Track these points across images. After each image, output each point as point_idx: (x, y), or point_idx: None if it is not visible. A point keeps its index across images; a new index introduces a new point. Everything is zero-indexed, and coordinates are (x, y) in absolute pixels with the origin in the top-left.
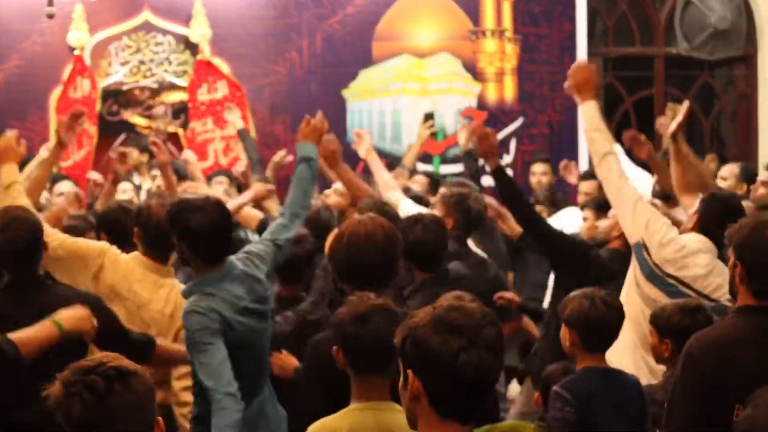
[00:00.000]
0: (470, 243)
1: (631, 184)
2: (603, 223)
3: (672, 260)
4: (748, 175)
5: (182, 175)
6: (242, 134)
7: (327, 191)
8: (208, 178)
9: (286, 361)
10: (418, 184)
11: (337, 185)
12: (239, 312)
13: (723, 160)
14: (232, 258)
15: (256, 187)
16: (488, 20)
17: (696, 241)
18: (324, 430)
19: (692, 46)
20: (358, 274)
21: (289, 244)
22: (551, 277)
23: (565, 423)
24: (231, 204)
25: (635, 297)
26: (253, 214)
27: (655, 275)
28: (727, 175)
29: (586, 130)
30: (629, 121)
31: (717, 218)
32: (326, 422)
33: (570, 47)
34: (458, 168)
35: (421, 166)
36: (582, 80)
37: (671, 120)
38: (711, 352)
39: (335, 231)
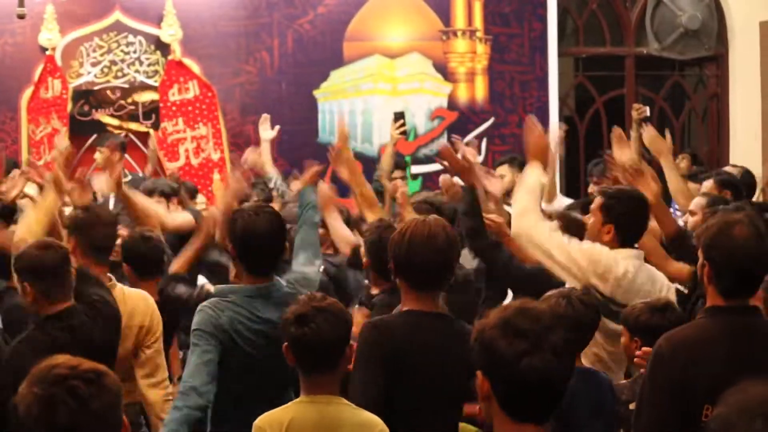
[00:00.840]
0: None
1: (554, 232)
2: None
3: (630, 292)
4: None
5: (168, 193)
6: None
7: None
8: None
9: None
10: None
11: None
12: (255, 330)
13: (695, 160)
14: (280, 280)
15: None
16: (459, 20)
17: (627, 258)
18: (268, 422)
19: (663, 46)
20: (415, 272)
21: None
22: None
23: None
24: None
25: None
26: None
27: (615, 313)
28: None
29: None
30: (599, 120)
31: (628, 217)
32: (272, 414)
33: (541, 47)
34: (429, 168)
35: None
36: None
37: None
38: (680, 353)
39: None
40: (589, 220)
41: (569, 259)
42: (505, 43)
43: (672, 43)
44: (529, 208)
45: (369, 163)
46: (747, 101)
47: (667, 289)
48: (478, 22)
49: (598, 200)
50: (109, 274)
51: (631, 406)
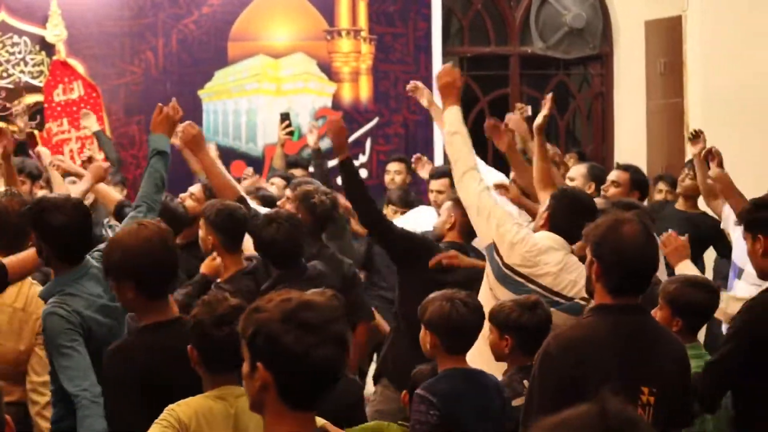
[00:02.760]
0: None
1: (489, 192)
2: (437, 220)
3: (523, 258)
4: (596, 175)
5: (36, 175)
6: (98, 135)
7: (182, 195)
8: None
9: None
10: (275, 186)
11: (193, 189)
12: (98, 311)
13: (582, 158)
14: (88, 256)
15: (93, 170)
16: (343, 20)
17: (546, 238)
18: (174, 414)
19: (547, 45)
20: (130, 275)
21: None
22: None
23: (430, 426)
24: (75, 192)
25: (490, 301)
26: (112, 196)
27: (505, 276)
28: (575, 176)
29: (447, 132)
30: (484, 120)
31: (567, 214)
32: (178, 405)
33: (425, 47)
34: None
35: None
36: (449, 83)
37: (521, 117)
38: (569, 352)
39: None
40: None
41: (490, 215)
42: (389, 42)
43: (557, 42)
44: (469, 165)
45: (254, 164)
46: (631, 100)
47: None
48: (362, 21)
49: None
50: None
51: (514, 403)
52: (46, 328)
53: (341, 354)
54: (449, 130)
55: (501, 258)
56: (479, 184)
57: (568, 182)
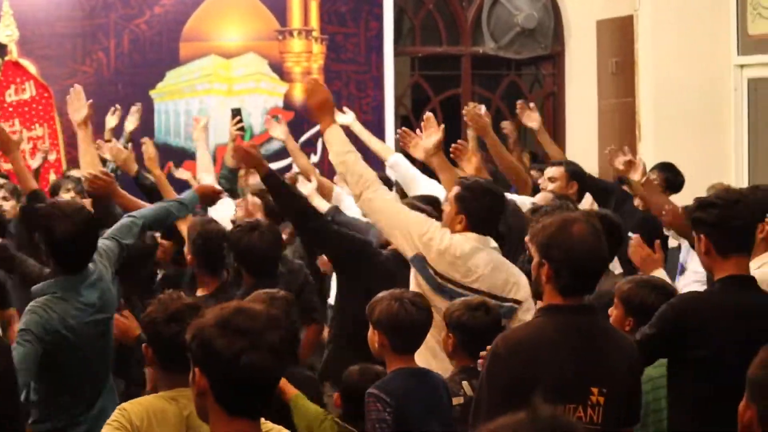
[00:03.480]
0: None
1: (398, 200)
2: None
3: (453, 266)
4: (576, 172)
5: None
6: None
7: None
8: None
9: (130, 324)
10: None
11: None
12: (84, 321)
13: (534, 158)
14: (90, 265)
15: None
16: (295, 20)
17: (468, 240)
18: (125, 414)
19: (499, 45)
20: None
21: (128, 249)
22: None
23: (387, 424)
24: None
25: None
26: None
27: (440, 285)
28: (557, 176)
29: (338, 152)
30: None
31: (484, 211)
32: (130, 405)
33: (377, 46)
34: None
35: None
36: (322, 102)
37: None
38: (518, 353)
39: None
40: (446, 208)
41: (408, 226)
42: (341, 42)
43: (508, 42)
44: (365, 175)
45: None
46: (583, 100)
47: (513, 286)
48: (314, 21)
49: (454, 189)
50: None
51: (455, 401)
52: (21, 321)
53: (274, 362)
54: (340, 150)
55: (432, 267)
56: (387, 194)
57: (548, 183)
